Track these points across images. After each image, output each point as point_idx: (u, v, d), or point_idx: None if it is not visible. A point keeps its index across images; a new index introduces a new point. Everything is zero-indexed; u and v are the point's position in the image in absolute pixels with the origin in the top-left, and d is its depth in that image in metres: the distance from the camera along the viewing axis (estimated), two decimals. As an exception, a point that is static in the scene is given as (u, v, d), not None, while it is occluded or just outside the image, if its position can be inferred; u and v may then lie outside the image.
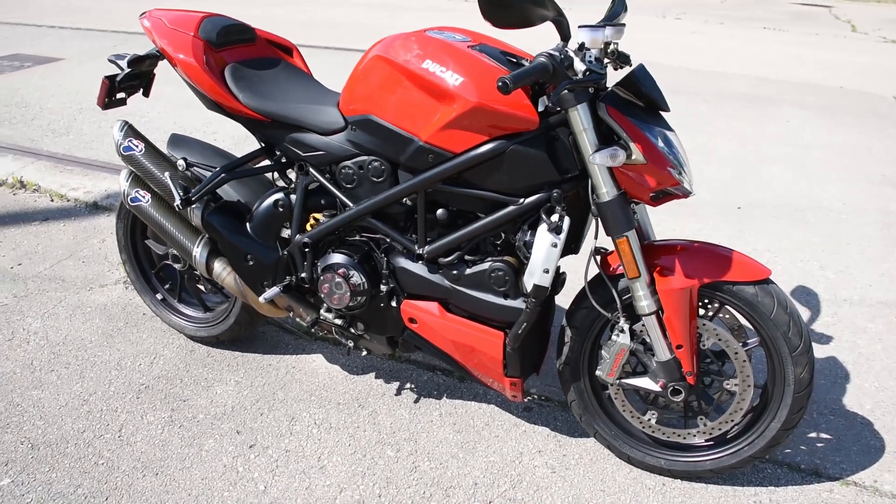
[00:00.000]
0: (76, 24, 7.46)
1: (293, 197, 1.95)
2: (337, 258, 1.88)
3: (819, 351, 2.42)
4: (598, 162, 1.52)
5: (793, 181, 3.86)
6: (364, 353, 2.07)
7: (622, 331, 1.72)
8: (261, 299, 1.98)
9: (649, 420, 1.83)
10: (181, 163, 2.00)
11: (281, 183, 2.08)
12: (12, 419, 2.09)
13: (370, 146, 1.77)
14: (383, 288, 1.89)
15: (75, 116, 4.65)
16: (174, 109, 4.71)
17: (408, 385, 2.25)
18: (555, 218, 1.62)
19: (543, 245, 1.62)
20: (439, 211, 1.77)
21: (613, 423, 1.90)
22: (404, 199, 1.79)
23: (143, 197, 2.09)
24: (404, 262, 1.85)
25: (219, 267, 2.07)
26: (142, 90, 2.23)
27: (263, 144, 2.01)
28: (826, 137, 4.41)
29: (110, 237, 3.17)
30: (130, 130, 2.10)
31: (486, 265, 1.77)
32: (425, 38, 1.67)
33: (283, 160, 1.98)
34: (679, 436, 1.82)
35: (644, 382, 1.76)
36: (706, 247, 1.71)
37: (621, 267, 1.72)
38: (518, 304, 1.76)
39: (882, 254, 3.03)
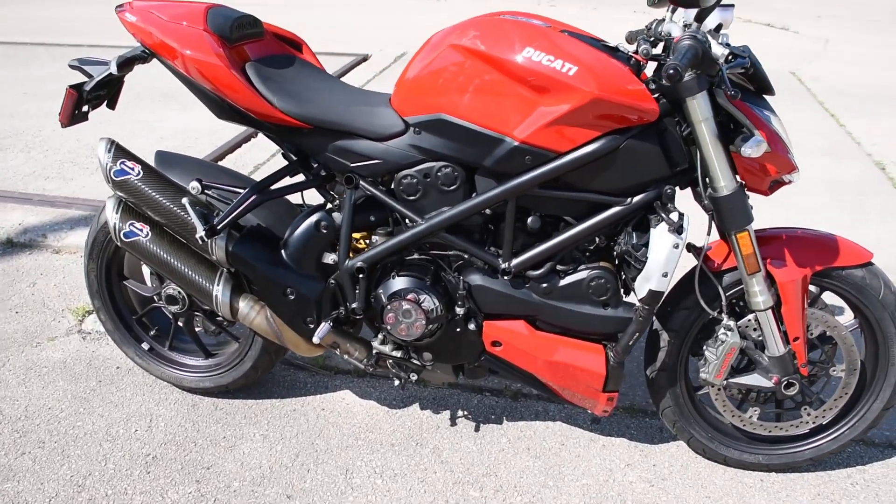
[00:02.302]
0: None
1: (336, 216, 1.67)
2: (404, 282, 1.63)
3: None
4: (749, 154, 1.38)
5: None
6: (400, 385, 1.81)
7: (730, 329, 1.62)
8: (315, 339, 1.69)
9: (751, 417, 1.74)
10: (195, 185, 1.65)
11: (311, 202, 1.79)
12: (-12, 525, 1.66)
13: (441, 150, 1.54)
14: (458, 311, 1.66)
15: (-54, 139, 3.92)
16: (75, 130, 4.09)
17: (460, 413, 2.03)
18: (674, 216, 1.48)
19: (664, 247, 1.47)
20: (530, 219, 1.57)
21: (709, 425, 1.80)
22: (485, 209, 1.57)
23: (141, 230, 1.71)
24: (482, 280, 1.63)
25: (245, 306, 1.75)
26: (106, 102, 1.85)
27: (295, 157, 1.71)
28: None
29: (41, 279, 2.66)
30: (120, 150, 1.71)
31: (582, 274, 1.60)
32: (517, 24, 1.46)
33: (323, 174, 1.69)
34: (782, 429, 1.75)
35: (754, 380, 1.67)
36: (809, 234, 1.64)
37: (725, 263, 1.62)
38: (620, 312, 1.61)
39: (848, 221, 3.17)
